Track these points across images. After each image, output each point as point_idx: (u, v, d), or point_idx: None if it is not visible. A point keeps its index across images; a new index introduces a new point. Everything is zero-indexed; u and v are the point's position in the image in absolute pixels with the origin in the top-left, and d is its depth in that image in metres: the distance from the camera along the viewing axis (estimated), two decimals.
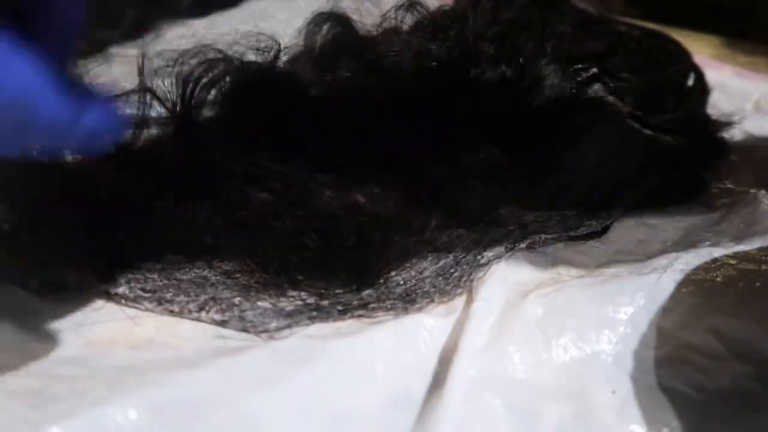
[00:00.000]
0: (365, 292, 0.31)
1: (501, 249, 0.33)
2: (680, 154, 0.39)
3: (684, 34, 0.43)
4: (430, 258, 0.32)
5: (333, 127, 0.34)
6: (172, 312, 0.29)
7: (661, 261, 0.32)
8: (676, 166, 0.39)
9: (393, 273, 0.31)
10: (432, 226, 0.33)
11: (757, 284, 0.31)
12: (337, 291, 0.30)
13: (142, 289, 0.30)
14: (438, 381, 0.27)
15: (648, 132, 0.39)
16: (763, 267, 0.32)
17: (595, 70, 0.39)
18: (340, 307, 0.30)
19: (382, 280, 0.31)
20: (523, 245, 0.33)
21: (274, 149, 0.33)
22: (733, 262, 0.32)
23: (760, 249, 0.33)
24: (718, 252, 0.33)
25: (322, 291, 0.30)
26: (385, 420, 0.26)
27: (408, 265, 0.32)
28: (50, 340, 0.28)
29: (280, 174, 0.32)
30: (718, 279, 0.31)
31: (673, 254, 0.32)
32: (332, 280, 0.31)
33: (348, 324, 0.29)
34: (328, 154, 0.33)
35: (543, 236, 0.34)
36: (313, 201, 0.32)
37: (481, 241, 0.33)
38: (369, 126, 0.34)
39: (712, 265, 0.32)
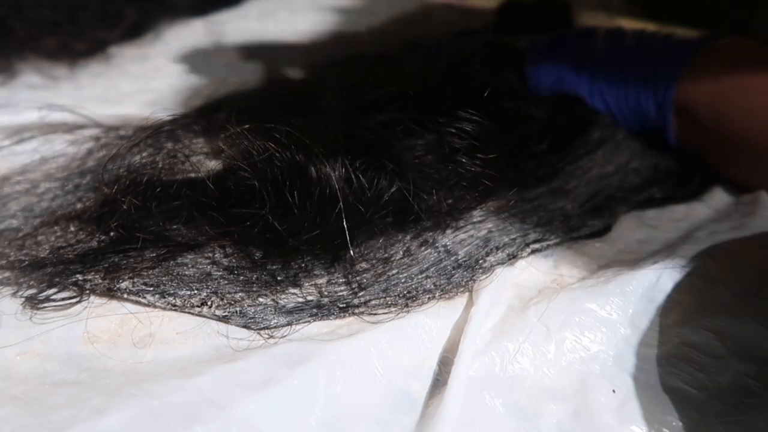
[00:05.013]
0: (361, 293, 0.31)
1: (503, 255, 0.33)
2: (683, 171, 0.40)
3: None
4: (432, 258, 0.33)
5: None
6: (174, 306, 0.29)
7: (662, 260, 0.32)
8: (679, 182, 0.40)
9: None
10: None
11: (757, 283, 0.31)
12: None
13: (145, 284, 0.30)
14: (438, 381, 0.27)
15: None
16: (764, 266, 0.32)
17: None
18: (341, 305, 0.30)
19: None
20: (525, 253, 0.33)
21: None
22: (733, 261, 0.32)
23: (761, 248, 0.33)
24: (718, 251, 0.33)
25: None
26: (385, 421, 0.26)
27: (404, 259, 0.32)
28: (52, 338, 0.28)
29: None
30: (718, 278, 0.31)
31: (674, 254, 0.32)
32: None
33: (347, 325, 0.29)
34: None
35: (545, 243, 0.34)
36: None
37: (484, 246, 0.33)
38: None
39: (712, 265, 0.32)
